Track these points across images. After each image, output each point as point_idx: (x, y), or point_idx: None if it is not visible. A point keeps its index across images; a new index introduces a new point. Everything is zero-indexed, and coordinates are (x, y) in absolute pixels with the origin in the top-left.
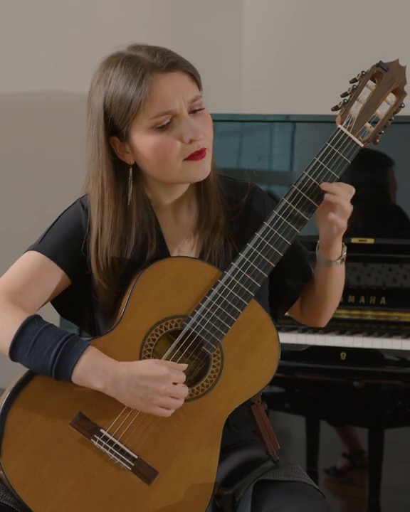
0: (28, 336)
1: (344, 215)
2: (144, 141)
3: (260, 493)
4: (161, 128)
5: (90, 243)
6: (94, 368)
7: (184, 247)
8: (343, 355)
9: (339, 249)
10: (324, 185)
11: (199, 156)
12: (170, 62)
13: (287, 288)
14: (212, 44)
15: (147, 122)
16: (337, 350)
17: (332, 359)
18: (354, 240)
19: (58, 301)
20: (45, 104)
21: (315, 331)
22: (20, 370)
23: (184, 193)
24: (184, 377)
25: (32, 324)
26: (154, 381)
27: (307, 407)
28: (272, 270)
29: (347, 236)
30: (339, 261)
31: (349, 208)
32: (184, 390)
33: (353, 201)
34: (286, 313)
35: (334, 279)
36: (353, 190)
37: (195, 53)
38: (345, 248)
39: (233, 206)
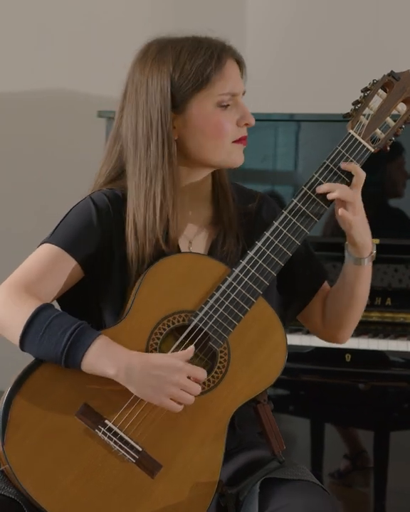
0: (43, 319)
1: (352, 209)
2: (204, 115)
3: (267, 492)
4: (223, 107)
5: (136, 207)
6: (107, 354)
7: (196, 240)
8: (348, 357)
9: (367, 246)
10: (320, 188)
11: (245, 140)
12: (235, 51)
13: (297, 292)
14: None
15: (214, 97)
16: (342, 351)
17: (337, 361)
18: None
19: (64, 300)
20: (45, 103)
21: None
22: (19, 370)
23: (202, 181)
24: (201, 373)
25: (47, 309)
26: (167, 371)
27: (312, 410)
28: (282, 271)
29: None
30: (367, 259)
31: (351, 198)
32: (197, 387)
33: None
34: (298, 319)
35: (363, 280)
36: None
37: None
38: (374, 246)
39: (244, 209)
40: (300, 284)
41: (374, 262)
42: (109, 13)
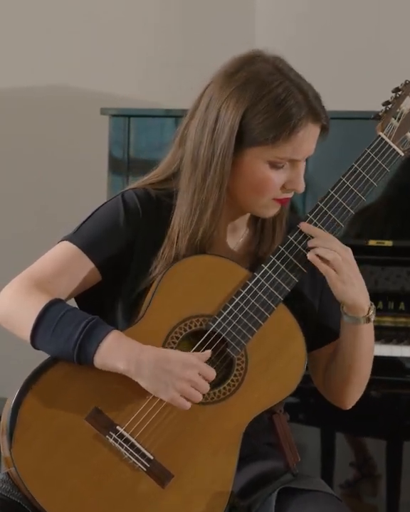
0: (54, 314)
1: (334, 266)
2: (254, 168)
3: (282, 502)
4: (276, 167)
5: (183, 215)
6: (119, 348)
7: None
8: None
9: (360, 304)
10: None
11: (286, 201)
12: (324, 116)
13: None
14: (222, 45)
15: (270, 156)
16: None
17: None
18: (372, 242)
19: (80, 300)
20: (45, 103)
21: None
22: (21, 378)
23: (245, 213)
24: (212, 372)
25: (58, 303)
26: (180, 366)
27: (322, 418)
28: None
29: (364, 238)
30: (363, 319)
31: (335, 260)
32: (207, 385)
33: (371, 202)
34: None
35: (362, 341)
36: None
37: (204, 54)
38: (373, 307)
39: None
40: (321, 328)
41: (388, 265)
42: (114, 8)
